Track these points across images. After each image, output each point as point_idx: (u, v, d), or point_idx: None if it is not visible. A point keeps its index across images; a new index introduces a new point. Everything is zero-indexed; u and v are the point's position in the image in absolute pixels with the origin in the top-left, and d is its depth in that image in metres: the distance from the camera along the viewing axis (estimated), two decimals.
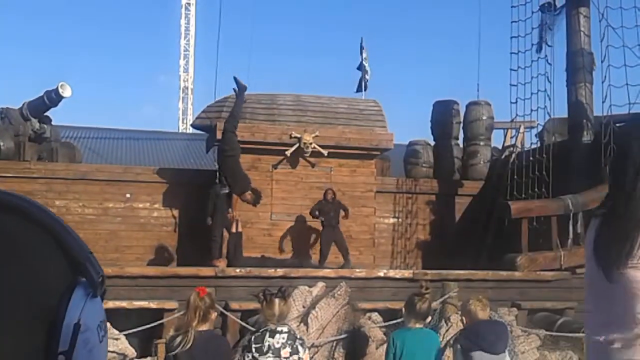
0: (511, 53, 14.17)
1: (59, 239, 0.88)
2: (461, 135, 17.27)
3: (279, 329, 5.45)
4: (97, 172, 15.22)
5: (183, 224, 14.87)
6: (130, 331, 8.85)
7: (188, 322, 5.02)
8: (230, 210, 12.34)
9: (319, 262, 13.04)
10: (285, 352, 5.35)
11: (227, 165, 12.57)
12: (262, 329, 5.46)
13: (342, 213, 13.32)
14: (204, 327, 5.06)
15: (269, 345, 5.34)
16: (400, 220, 16.10)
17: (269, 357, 5.32)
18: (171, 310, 9.46)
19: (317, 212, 13.19)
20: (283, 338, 5.41)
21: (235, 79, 12.73)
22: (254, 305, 9.12)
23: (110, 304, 9.44)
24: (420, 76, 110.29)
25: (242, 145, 12.78)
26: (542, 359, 9.43)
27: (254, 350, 5.32)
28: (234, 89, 12.78)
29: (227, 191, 12.32)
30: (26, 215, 0.87)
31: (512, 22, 14.21)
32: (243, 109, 13.16)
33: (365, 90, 16.44)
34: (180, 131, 38.64)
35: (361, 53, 16.70)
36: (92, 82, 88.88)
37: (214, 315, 5.21)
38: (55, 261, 0.87)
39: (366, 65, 16.47)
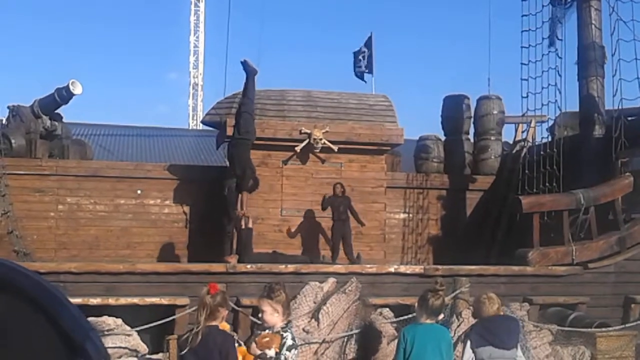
0: (522, 47, 14.11)
1: (52, 317, 0.75)
2: (472, 130, 17.22)
3: (288, 325, 5.51)
4: (108, 169, 15.27)
5: (194, 220, 14.91)
6: (142, 327, 8.88)
7: (197, 318, 5.05)
8: (238, 206, 12.23)
9: (331, 257, 13.04)
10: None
11: (238, 150, 12.24)
12: (290, 326, 5.48)
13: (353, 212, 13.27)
14: (212, 324, 5.05)
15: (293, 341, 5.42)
16: (410, 215, 16.07)
17: (294, 352, 5.37)
18: (183, 307, 9.48)
19: (327, 207, 13.20)
20: (292, 334, 5.46)
21: (244, 62, 12.40)
22: None
23: (122, 301, 9.51)
24: (430, 71, 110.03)
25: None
26: (554, 354, 9.40)
27: (297, 346, 5.39)
28: (244, 67, 12.38)
29: (234, 184, 12.16)
30: (15, 291, 0.74)
31: (522, 15, 14.14)
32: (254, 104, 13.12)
33: (367, 74, 16.59)
34: (190, 128, 38.73)
35: (370, 47, 16.72)
36: (103, 80, 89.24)
37: (223, 312, 5.14)
38: (47, 344, 0.74)
39: (366, 52, 16.59)
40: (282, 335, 5.26)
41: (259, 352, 5.22)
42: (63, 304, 0.76)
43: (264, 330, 5.40)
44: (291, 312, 5.68)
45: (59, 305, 0.76)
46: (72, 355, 0.74)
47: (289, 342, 5.22)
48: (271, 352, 5.16)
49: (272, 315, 5.33)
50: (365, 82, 16.99)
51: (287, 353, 5.20)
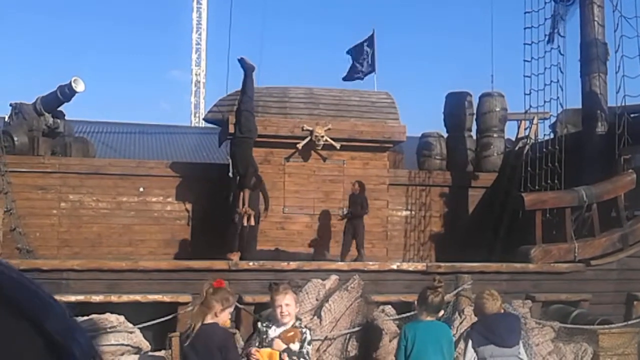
0: (524, 44, 14.09)
1: (33, 317, 0.67)
2: (474, 127, 17.20)
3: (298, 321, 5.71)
4: (111, 166, 15.29)
5: (196, 217, 14.93)
6: (145, 324, 8.88)
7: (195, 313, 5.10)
8: (240, 204, 12.20)
9: (341, 253, 13.00)
10: None
11: (240, 148, 12.25)
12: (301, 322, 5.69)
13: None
14: (209, 320, 5.04)
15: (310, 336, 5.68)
16: (413, 212, 16.07)
17: (311, 346, 5.65)
18: (185, 304, 9.48)
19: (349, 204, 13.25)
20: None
21: (241, 59, 12.43)
22: (267, 298, 9.15)
23: (125, 298, 9.52)
24: (433, 68, 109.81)
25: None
26: (556, 351, 9.39)
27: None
28: (242, 64, 12.40)
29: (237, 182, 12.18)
30: None
31: (525, 12, 14.12)
32: (255, 102, 13.11)
33: (370, 73, 16.56)
34: (192, 125, 38.74)
35: (372, 46, 16.66)
36: (105, 77, 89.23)
37: (217, 307, 5.04)
38: (28, 346, 0.66)
39: (369, 51, 16.54)
40: (302, 330, 5.49)
41: (284, 346, 5.38)
42: (45, 302, 0.69)
43: (264, 329, 5.52)
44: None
45: (41, 303, 0.69)
46: (56, 357, 0.67)
47: (309, 337, 5.52)
48: (295, 347, 5.39)
49: (295, 309, 5.58)
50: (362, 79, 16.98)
51: (308, 347, 5.48)
